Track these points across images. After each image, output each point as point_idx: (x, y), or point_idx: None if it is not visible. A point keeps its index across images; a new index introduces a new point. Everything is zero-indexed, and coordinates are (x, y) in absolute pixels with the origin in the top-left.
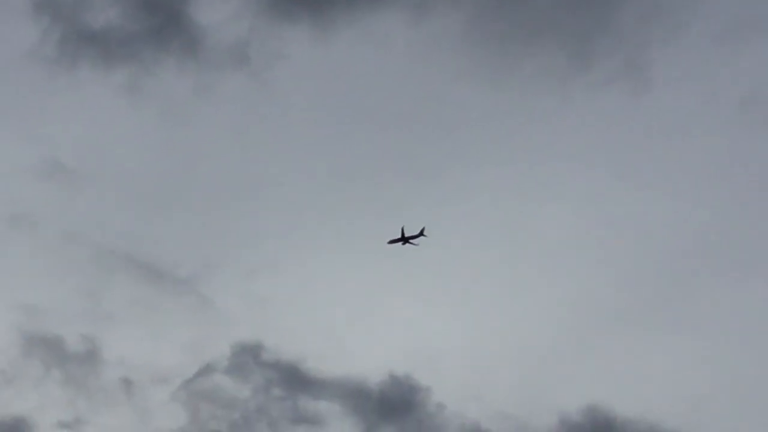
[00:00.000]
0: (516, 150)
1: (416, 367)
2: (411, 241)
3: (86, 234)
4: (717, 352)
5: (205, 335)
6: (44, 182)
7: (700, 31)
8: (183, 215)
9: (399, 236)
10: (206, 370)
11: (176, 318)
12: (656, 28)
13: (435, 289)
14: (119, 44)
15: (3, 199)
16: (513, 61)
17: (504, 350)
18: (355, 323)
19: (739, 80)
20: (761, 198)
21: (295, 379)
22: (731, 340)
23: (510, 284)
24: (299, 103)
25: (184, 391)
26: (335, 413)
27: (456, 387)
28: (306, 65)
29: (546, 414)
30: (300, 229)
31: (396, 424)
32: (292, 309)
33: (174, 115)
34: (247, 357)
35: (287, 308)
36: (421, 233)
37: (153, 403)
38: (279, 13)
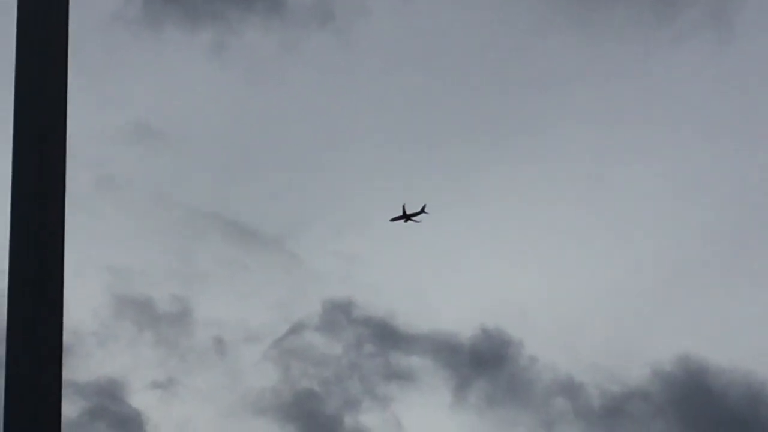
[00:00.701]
0: (601, 103)
1: (507, 320)
2: (413, 218)
3: (174, 195)
4: None
5: (295, 293)
6: (131, 144)
7: None
8: (270, 174)
9: (401, 214)
10: (297, 328)
11: (266, 276)
12: None
13: (524, 241)
14: (204, 4)
15: (91, 161)
16: (598, 12)
17: (595, 301)
18: (446, 278)
19: None
20: None
21: (386, 335)
22: None
23: (600, 236)
24: (384, 59)
25: (276, 350)
26: (427, 368)
27: (547, 340)
28: (390, 21)
29: (638, 365)
30: (387, 186)
31: (488, 378)
32: (381, 265)
33: (259, 74)
34: (338, 314)
35: (377, 264)
36: (422, 210)
37: (245, 362)
38: None
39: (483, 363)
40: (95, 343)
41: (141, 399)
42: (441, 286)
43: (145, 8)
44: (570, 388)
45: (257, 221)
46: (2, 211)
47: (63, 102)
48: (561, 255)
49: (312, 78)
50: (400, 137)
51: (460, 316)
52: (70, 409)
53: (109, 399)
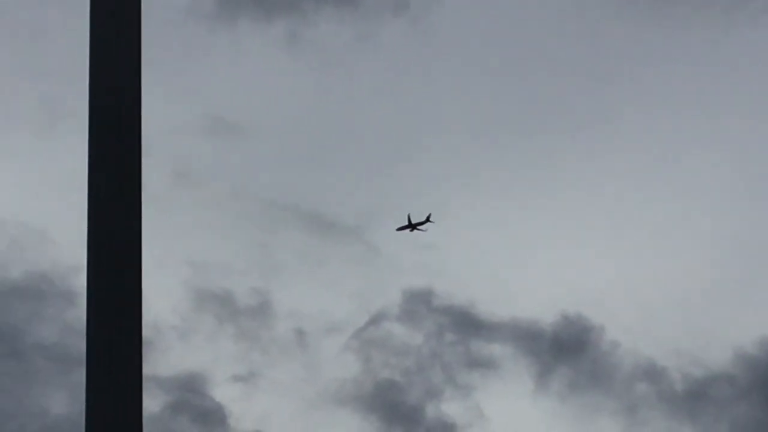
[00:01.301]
0: (675, 88)
1: (588, 306)
2: (418, 227)
3: (251, 187)
4: None
5: (374, 284)
6: (207, 138)
7: None
8: (347, 164)
9: (406, 223)
10: (377, 318)
11: (345, 267)
12: None
13: (603, 227)
14: None
15: (167, 156)
16: None
17: (675, 285)
18: (524, 265)
19: None
20: None
21: (466, 324)
22: None
23: (679, 220)
24: (459, 47)
25: (356, 340)
26: (508, 356)
27: (628, 324)
28: (464, 9)
29: (720, 348)
30: (462, 174)
31: (570, 364)
32: (459, 254)
33: (334, 65)
34: (418, 303)
35: (455, 253)
36: (428, 219)
37: (325, 354)
38: None
39: (564, 349)
40: (176, 337)
41: (222, 392)
42: (520, 274)
43: (218, 1)
44: (652, 373)
45: (334, 212)
46: (80, 207)
47: (137, 97)
48: (640, 239)
49: (387, 68)
50: (475, 126)
51: (540, 303)
52: (151, 403)
53: (190, 393)
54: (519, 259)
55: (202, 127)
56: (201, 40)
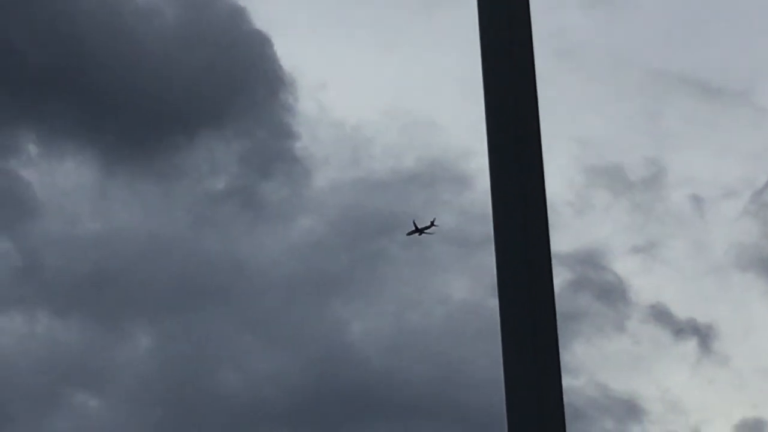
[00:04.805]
0: None
1: None
2: (426, 231)
3: (635, 59)
4: None
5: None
6: (588, 12)
7: None
8: (729, 29)
9: (414, 229)
10: None
11: (737, 131)
12: None
13: None
14: None
15: (548, 33)
16: None
17: None
18: None
19: None
20: None
21: None
22: None
23: None
24: None
25: (754, 204)
26: None
27: None
28: None
29: None
30: None
31: None
32: None
33: None
34: None
35: None
36: (432, 224)
37: (723, 219)
38: None
39: None
40: (572, 214)
41: (622, 266)
42: None
43: None
44: None
45: (721, 77)
46: (468, 93)
47: None
48: None
49: None
50: None
51: None
52: (555, 280)
53: (591, 268)
54: None
55: (581, 1)
56: None
